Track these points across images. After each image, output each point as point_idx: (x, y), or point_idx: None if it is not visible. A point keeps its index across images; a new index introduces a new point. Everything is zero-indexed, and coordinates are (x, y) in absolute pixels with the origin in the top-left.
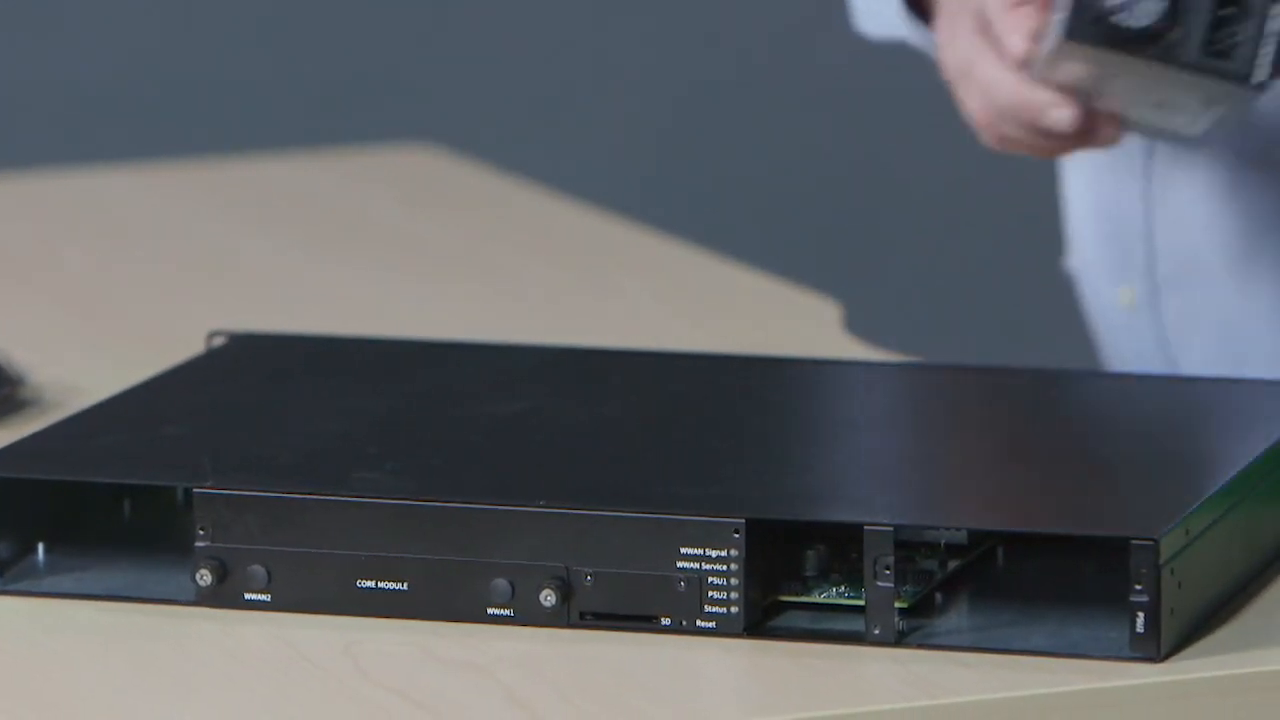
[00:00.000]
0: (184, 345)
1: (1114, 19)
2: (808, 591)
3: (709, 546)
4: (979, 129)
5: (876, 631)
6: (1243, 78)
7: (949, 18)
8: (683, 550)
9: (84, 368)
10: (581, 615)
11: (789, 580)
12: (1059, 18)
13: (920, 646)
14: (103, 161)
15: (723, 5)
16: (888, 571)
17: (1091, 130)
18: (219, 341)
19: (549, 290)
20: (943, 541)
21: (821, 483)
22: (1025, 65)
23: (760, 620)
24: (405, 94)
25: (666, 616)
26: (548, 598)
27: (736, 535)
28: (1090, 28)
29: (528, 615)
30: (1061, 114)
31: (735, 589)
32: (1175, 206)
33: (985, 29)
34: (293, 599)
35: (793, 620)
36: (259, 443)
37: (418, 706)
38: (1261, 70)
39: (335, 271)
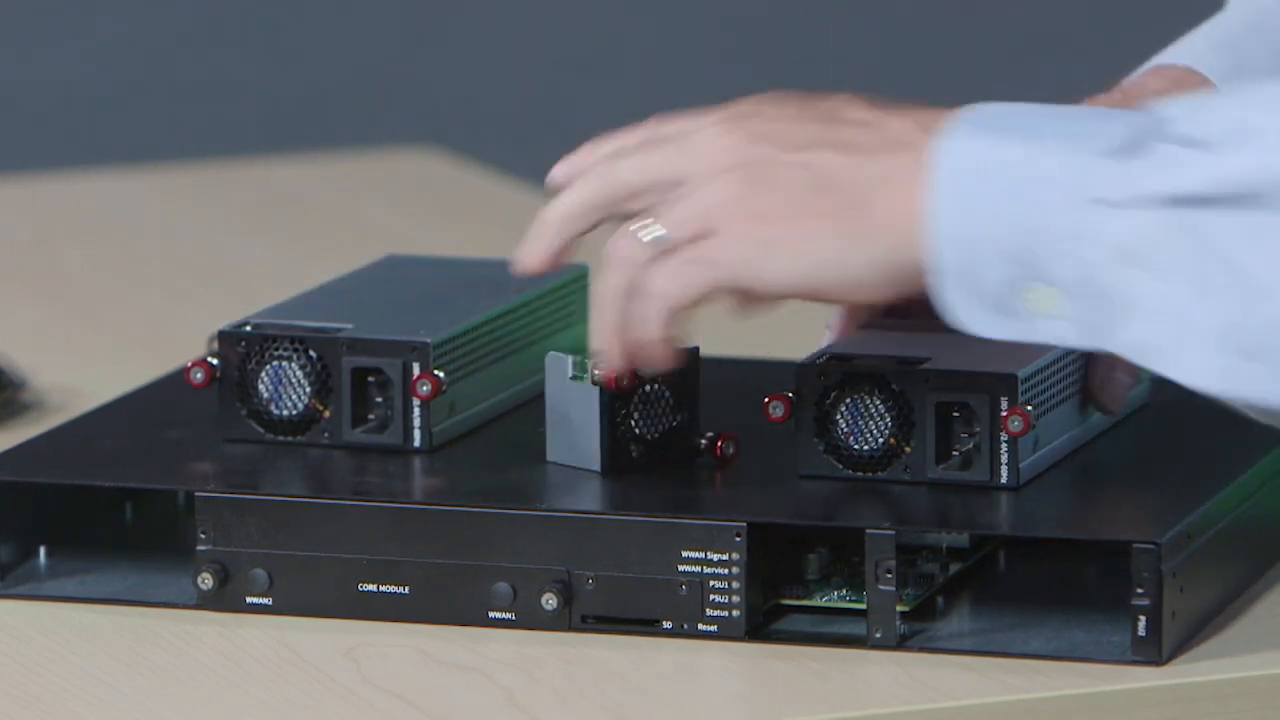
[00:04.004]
0: (185, 349)
1: None
2: (809, 595)
3: (711, 550)
4: None
5: (878, 635)
6: None
7: None
8: (684, 554)
9: (85, 371)
10: (583, 619)
11: (790, 584)
12: None
13: (922, 650)
14: (104, 164)
15: (723, 5)
16: (889, 575)
17: None
18: None
19: None
20: (944, 545)
21: (824, 486)
22: None
23: (762, 624)
24: (405, 97)
25: (668, 620)
26: (549, 601)
27: (738, 539)
28: None
29: (529, 619)
30: None
31: (737, 592)
32: None
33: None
34: (294, 603)
35: (794, 624)
36: (261, 446)
37: (419, 710)
38: None
39: (336, 274)
